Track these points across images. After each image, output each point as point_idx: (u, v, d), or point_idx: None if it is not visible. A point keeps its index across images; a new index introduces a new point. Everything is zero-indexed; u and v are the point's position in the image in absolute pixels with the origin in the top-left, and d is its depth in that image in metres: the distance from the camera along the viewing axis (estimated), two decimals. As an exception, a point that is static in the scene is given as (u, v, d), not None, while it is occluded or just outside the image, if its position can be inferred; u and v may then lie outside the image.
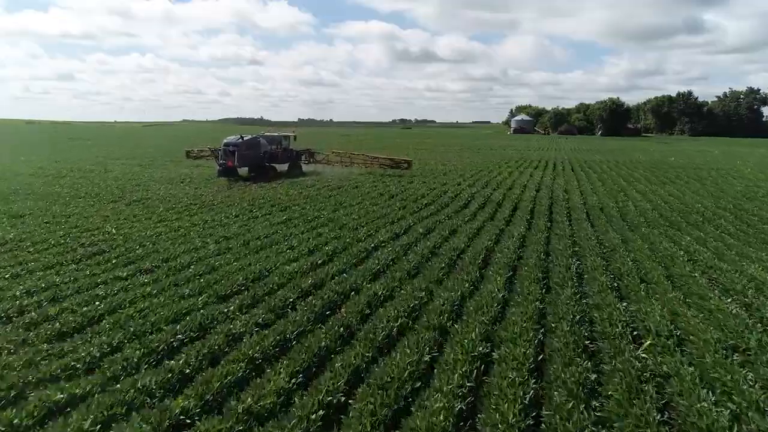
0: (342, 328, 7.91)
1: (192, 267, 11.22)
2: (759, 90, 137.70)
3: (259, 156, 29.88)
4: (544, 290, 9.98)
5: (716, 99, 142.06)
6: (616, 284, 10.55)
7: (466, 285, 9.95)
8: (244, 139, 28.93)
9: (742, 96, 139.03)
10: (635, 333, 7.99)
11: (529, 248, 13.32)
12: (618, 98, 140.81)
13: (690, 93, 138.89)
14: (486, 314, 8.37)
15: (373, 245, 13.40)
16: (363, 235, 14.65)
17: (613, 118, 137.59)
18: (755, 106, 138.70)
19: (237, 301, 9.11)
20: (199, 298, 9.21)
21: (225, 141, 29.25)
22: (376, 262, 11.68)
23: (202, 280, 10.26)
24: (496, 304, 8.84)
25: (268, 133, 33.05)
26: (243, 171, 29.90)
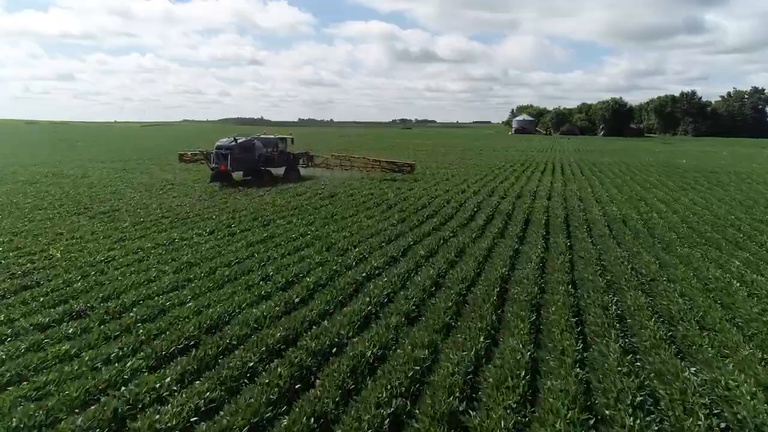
0: (313, 418, 5.66)
1: (135, 309, 8.94)
2: (764, 90, 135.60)
3: (254, 159, 27.74)
4: (581, 344, 7.74)
5: (720, 99, 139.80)
6: (670, 333, 8.32)
7: (481, 338, 7.69)
8: (238, 141, 26.83)
9: (746, 96, 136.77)
10: (724, 425, 5.74)
11: (552, 277, 11.07)
12: (621, 98, 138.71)
13: (694, 93, 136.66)
14: (511, 392, 6.12)
15: (364, 274, 11.14)
16: (353, 259, 12.39)
17: (616, 119, 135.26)
18: (760, 106, 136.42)
19: (178, 366, 6.85)
20: (129, 362, 6.94)
21: (218, 143, 27.19)
22: (367, 299, 9.42)
23: (141, 331, 8.00)
24: (522, 373, 6.59)
25: (264, 135, 30.83)
26: (238, 175, 27.85)
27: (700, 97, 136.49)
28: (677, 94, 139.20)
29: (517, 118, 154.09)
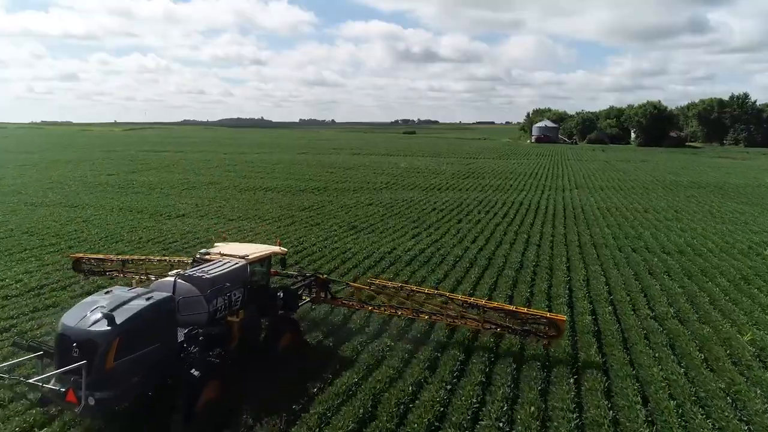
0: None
1: None
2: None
3: (171, 343, 9.28)
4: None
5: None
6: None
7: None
8: (119, 306, 8.56)
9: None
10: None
11: None
12: (659, 102, 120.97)
13: (746, 96, 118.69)
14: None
15: None
16: None
17: (654, 125, 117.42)
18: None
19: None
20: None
21: (62, 324, 8.52)
22: None
23: None
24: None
25: (214, 254, 12.02)
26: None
27: (755, 101, 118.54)
28: (726, 98, 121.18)
29: (538, 125, 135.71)
